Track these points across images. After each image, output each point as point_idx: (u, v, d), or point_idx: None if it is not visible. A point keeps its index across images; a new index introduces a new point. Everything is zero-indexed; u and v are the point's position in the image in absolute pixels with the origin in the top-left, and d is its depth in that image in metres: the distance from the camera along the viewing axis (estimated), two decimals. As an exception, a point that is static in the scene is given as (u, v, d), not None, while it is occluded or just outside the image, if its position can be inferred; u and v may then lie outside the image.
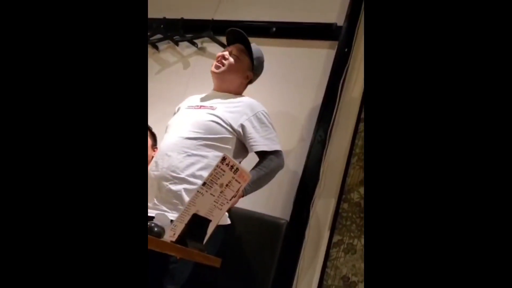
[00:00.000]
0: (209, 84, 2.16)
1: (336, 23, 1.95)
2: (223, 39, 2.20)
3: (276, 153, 1.51)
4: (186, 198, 1.36)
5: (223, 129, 1.47)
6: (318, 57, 1.98)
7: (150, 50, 2.40)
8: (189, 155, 1.43)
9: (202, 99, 1.63)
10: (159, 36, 2.34)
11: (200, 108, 1.57)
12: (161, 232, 0.98)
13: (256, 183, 1.46)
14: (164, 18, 2.34)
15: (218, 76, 1.61)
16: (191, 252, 0.98)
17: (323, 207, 1.72)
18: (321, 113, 1.82)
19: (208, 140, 1.45)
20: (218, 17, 2.25)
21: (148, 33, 2.31)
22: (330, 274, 1.66)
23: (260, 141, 1.49)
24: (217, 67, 1.60)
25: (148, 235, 0.89)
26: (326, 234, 1.70)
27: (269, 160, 1.49)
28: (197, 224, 1.06)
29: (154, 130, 1.99)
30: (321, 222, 1.70)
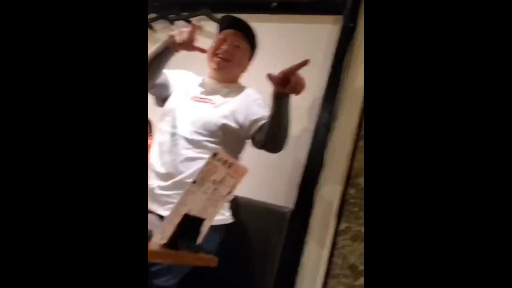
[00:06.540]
0: (204, 67, 2.05)
1: (340, -4, 1.82)
2: (220, 17, 2.08)
3: None
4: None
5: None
6: (321, 33, 1.85)
7: (146, 30, 2.29)
8: None
9: (204, 91, 1.51)
10: (153, 15, 2.23)
11: (202, 101, 1.47)
12: (149, 235, 0.92)
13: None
14: (160, -4, 2.23)
15: (223, 71, 1.50)
16: (182, 256, 0.92)
17: (328, 194, 1.64)
18: (326, 95, 1.71)
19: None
20: (215, -7, 2.12)
21: (143, 13, 2.22)
22: (337, 263, 1.60)
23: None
24: (221, 63, 1.48)
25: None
26: (333, 222, 1.62)
27: None
28: (189, 224, 0.99)
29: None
30: (327, 209, 1.62)
